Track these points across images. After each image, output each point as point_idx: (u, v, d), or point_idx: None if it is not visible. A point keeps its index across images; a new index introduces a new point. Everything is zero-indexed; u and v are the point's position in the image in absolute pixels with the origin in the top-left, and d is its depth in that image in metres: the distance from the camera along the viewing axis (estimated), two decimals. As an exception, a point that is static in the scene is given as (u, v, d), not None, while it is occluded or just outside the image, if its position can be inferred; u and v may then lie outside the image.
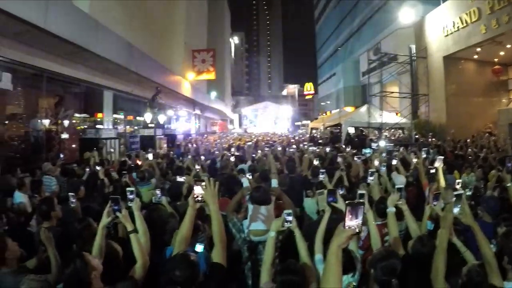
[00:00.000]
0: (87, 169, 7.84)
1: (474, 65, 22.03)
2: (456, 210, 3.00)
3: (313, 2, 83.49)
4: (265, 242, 3.48)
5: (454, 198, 3.11)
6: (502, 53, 19.73)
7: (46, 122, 12.77)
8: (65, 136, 14.08)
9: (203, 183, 3.10)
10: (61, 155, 10.85)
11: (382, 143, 14.55)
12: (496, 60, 21.10)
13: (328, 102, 61.19)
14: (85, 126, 16.39)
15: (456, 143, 15.05)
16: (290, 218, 3.09)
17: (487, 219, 4.35)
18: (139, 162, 10.17)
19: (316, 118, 55.63)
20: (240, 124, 68.27)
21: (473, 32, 18.53)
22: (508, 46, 18.37)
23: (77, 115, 15.43)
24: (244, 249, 3.95)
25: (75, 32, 11.31)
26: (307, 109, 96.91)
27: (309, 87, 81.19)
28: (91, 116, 16.94)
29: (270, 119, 66.37)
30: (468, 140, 15.53)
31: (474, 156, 10.94)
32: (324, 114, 51.26)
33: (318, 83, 79.36)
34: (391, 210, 3.71)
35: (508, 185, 4.84)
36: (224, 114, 56.00)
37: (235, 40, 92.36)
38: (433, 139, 18.13)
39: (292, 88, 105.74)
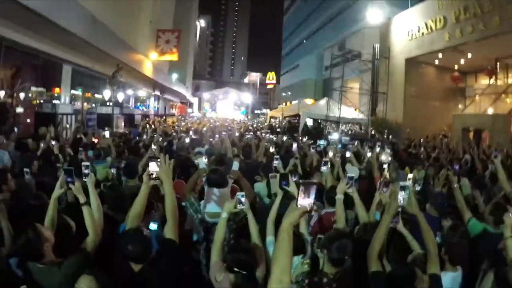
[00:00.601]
0: (42, 144, 7.63)
1: (434, 70, 22.96)
2: (403, 200, 3.09)
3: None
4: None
5: (401, 186, 3.24)
6: (462, 61, 20.65)
7: (1, 93, 12.07)
8: (20, 110, 13.38)
9: (158, 160, 3.09)
10: (15, 129, 10.33)
11: (336, 136, 14.92)
12: (456, 67, 22.06)
13: (289, 93, 61.73)
14: (41, 101, 15.60)
15: (410, 142, 15.62)
16: (243, 200, 3.17)
17: (433, 213, 4.62)
18: (95, 140, 9.94)
19: (276, 108, 56.08)
20: (200, 108, 67.67)
21: (437, 39, 19.27)
22: (469, 55, 19.22)
23: (33, 88, 14.61)
24: (200, 229, 3.97)
25: (39, 1, 10.69)
26: (267, 98, 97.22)
27: (271, 77, 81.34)
28: (48, 90, 16.12)
29: (230, 105, 66.24)
30: (422, 140, 16.19)
31: (426, 156, 11.43)
32: (284, 104, 51.67)
33: (280, 73, 79.73)
34: (339, 197, 3.82)
35: (455, 186, 5.08)
36: (184, 97, 55.06)
37: (201, 23, 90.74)
38: (389, 136, 18.74)
39: (255, 76, 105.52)
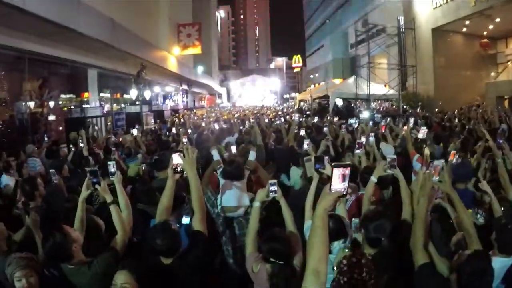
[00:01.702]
0: (72, 149, 7.88)
1: (463, 38, 22.03)
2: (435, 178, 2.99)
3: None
4: (238, 217, 3.71)
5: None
6: (491, 26, 19.74)
7: (31, 104, 12.54)
8: (51, 117, 13.84)
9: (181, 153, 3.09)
10: (46, 137, 10.67)
11: (367, 114, 14.60)
12: (484, 33, 21.12)
13: (317, 74, 60.89)
14: (72, 107, 16.08)
15: (444, 115, 15.10)
16: (274, 188, 3.09)
17: (459, 186, 4.37)
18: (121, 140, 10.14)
19: (304, 91, 55.51)
20: (229, 98, 67.92)
21: (462, 5, 18.45)
22: (497, 19, 18.36)
23: (62, 95, 15.11)
24: (219, 223, 3.89)
25: (55, 11, 10.93)
26: (295, 81, 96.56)
27: (297, 60, 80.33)
28: (77, 96, 16.60)
29: (259, 92, 66.16)
30: (456, 111, 15.62)
31: (461, 128, 11.01)
32: (312, 86, 51.02)
33: (306, 55, 78.67)
34: (372, 179, 3.70)
35: (499, 160, 4.82)
36: (212, 89, 55.44)
37: (221, 14, 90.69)
38: (421, 110, 18.21)
39: (280, 61, 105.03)
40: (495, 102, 17.39)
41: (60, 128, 14.57)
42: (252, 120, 11.40)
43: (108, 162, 3.51)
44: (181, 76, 35.00)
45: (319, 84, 48.02)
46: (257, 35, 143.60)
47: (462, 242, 2.94)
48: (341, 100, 23.27)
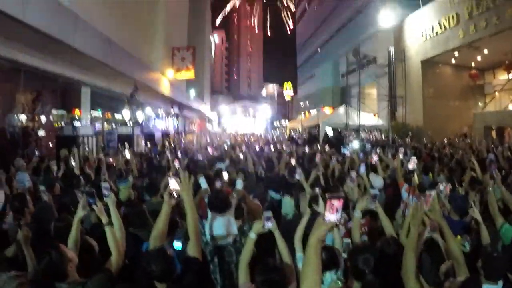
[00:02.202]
0: (62, 167, 7.88)
1: (452, 69, 22.58)
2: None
3: (294, 3, 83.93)
4: (227, 246, 3.68)
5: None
6: (479, 58, 20.30)
7: (23, 117, 12.43)
8: (41, 133, 13.73)
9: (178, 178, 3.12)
10: (37, 152, 10.56)
11: (356, 144, 14.79)
12: (473, 64, 21.69)
13: (307, 102, 61.55)
14: (62, 123, 15.95)
15: (433, 145, 15.32)
16: (269, 220, 3.08)
17: (454, 217, 4.51)
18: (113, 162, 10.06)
19: (295, 119, 55.98)
20: (219, 124, 68.15)
21: (451, 37, 18.97)
22: (485, 51, 18.90)
23: (54, 111, 15.01)
24: (207, 252, 3.81)
25: (54, 26, 10.99)
26: (286, 109, 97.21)
27: (288, 87, 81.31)
28: (69, 112, 16.52)
29: (249, 119, 66.61)
30: (446, 141, 15.87)
31: (450, 158, 11.18)
32: (303, 114, 51.49)
33: (297, 83, 79.69)
34: (357, 214, 3.76)
35: (489, 189, 4.90)
36: (203, 113, 55.61)
37: (215, 39, 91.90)
38: (410, 141, 18.45)
39: (271, 88, 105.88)
40: (483, 132, 17.72)
41: (50, 144, 14.44)
42: (244, 148, 11.48)
43: (102, 184, 3.52)
44: (173, 99, 35.09)
45: (309, 112, 48.53)
46: (249, 61, 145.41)
47: (451, 271, 3.00)
48: (331, 129, 23.55)
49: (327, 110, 40.32)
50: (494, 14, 15.83)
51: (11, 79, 12.61)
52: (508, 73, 19.26)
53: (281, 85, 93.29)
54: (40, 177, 7.62)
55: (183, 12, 47.30)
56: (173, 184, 3.13)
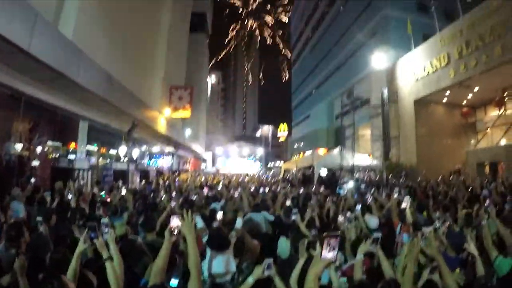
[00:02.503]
0: (57, 199, 7.86)
1: (444, 108, 22.97)
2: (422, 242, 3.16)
3: (290, 46, 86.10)
4: (225, 283, 3.76)
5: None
6: (470, 96, 20.77)
7: (19, 146, 12.43)
8: (36, 163, 13.67)
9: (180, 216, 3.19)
10: (32, 180, 10.54)
11: (351, 184, 14.87)
12: (464, 103, 22.14)
13: (302, 143, 61.98)
14: (57, 155, 15.94)
15: (427, 183, 15.43)
16: (270, 266, 3.12)
17: (450, 253, 4.55)
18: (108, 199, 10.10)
19: (289, 160, 56.18)
20: (213, 163, 68.12)
21: (443, 76, 19.47)
22: (476, 89, 19.36)
23: (50, 142, 15.03)
24: None
25: (58, 59, 11.26)
26: (280, 150, 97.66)
27: (283, 129, 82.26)
28: (64, 145, 16.55)
29: (244, 160, 66.72)
30: (440, 179, 16.00)
31: (444, 196, 11.28)
32: (297, 155, 51.76)
33: (292, 124, 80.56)
34: (359, 257, 3.80)
35: (483, 222, 5.02)
36: (197, 153, 55.74)
37: (212, 79, 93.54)
38: (405, 180, 18.56)
39: (266, 129, 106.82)
40: (476, 169, 17.91)
41: (45, 175, 14.40)
42: (239, 189, 11.54)
43: (102, 221, 3.58)
44: (169, 138, 35.26)
45: (303, 153, 48.82)
46: (245, 102, 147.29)
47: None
48: (326, 170, 23.72)
49: (322, 151, 40.74)
50: (483, 52, 16.39)
51: (11, 106, 12.65)
52: (499, 109, 19.65)
53: (276, 126, 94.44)
54: (34, 207, 7.62)
55: (182, 52, 48.48)
56: (175, 222, 3.19)
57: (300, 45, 73.85)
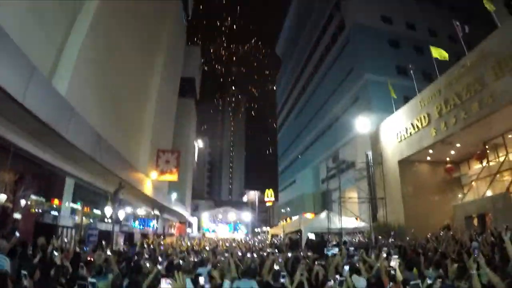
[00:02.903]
0: (38, 254, 7.86)
1: (428, 166, 23.38)
2: None
3: (275, 112, 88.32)
4: None
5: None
6: (452, 152, 21.26)
7: (3, 197, 12.15)
8: (17, 216, 13.34)
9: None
10: (17, 233, 10.24)
11: (335, 250, 14.75)
12: (448, 159, 22.60)
13: (288, 208, 61.60)
14: (40, 210, 15.54)
15: (416, 242, 15.40)
16: None
17: None
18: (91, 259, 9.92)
19: (276, 225, 55.50)
20: (199, 228, 66.89)
21: (425, 136, 20.09)
22: (457, 145, 19.91)
23: (33, 197, 14.72)
24: None
25: (50, 113, 11.44)
26: (267, 215, 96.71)
27: (269, 194, 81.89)
28: (48, 200, 16.20)
29: (230, 225, 65.80)
30: (429, 236, 16.02)
31: (434, 252, 11.29)
32: (284, 220, 51.25)
33: (279, 189, 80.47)
34: None
35: (472, 272, 5.11)
36: (183, 217, 54.86)
37: (199, 144, 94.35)
38: (393, 240, 18.47)
39: (253, 194, 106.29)
40: (464, 223, 17.94)
41: (27, 228, 14.01)
42: (226, 254, 11.45)
43: (90, 280, 3.64)
44: (154, 201, 34.89)
45: (290, 218, 48.40)
46: (231, 167, 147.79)
47: None
48: (313, 234, 23.67)
49: (309, 215, 40.49)
50: (461, 110, 17.00)
51: None
52: (481, 162, 20.08)
53: (262, 191, 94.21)
54: (16, 260, 7.48)
55: (170, 116, 49.40)
56: (164, 284, 3.25)
57: (286, 111, 75.90)
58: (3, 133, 11.30)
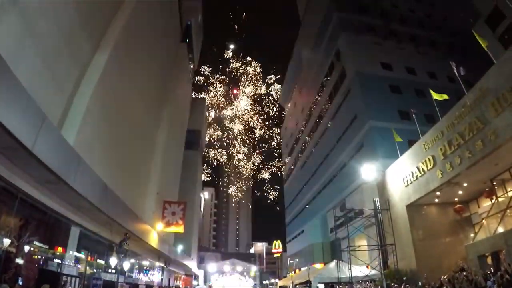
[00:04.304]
0: None
1: (437, 208, 22.98)
2: None
3: (281, 162, 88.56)
4: None
5: None
6: (460, 192, 20.94)
7: (7, 241, 12.04)
8: (20, 261, 13.13)
9: None
10: (20, 281, 10.09)
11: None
12: (456, 199, 22.22)
13: (297, 259, 60.21)
14: (43, 257, 15.30)
15: (430, 286, 14.97)
16: None
17: None
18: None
19: (285, 277, 54.08)
20: (205, 281, 65.21)
21: (431, 178, 19.96)
22: (465, 184, 19.66)
23: (36, 243, 14.57)
24: None
25: (59, 163, 11.58)
26: (275, 267, 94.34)
27: (277, 245, 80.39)
28: (51, 247, 16.00)
29: (237, 277, 64.17)
30: (442, 278, 15.61)
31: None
32: (293, 272, 49.99)
33: (286, 240, 78.99)
34: None
35: None
36: (189, 269, 53.64)
37: (205, 195, 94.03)
38: (407, 285, 17.98)
39: (260, 246, 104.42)
40: (478, 262, 17.37)
41: (29, 275, 13.76)
42: None
43: None
44: (160, 252, 34.34)
45: (299, 269, 47.25)
46: (238, 218, 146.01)
47: None
48: (323, 284, 23.18)
49: (318, 266, 39.58)
50: (465, 149, 17.01)
51: (5, 202, 12.53)
52: (491, 199, 19.75)
53: (270, 242, 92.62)
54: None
55: (177, 168, 49.63)
56: None
57: (291, 161, 76.10)
58: (12, 179, 11.41)
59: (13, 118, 8.70)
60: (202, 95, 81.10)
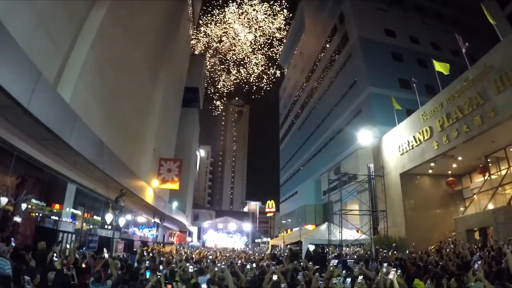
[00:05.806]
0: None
1: (430, 179, 23.27)
2: None
3: (278, 123, 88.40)
4: None
5: None
6: (454, 165, 21.16)
7: (4, 200, 12.14)
8: (18, 219, 13.32)
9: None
10: (13, 240, 10.23)
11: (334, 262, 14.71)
12: (449, 172, 22.49)
13: (289, 220, 61.34)
14: (40, 214, 15.51)
15: (417, 255, 15.30)
16: None
17: None
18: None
19: (277, 236, 55.26)
20: (199, 237, 66.68)
21: (427, 149, 20.04)
22: (460, 158, 19.84)
23: (34, 201, 14.72)
24: None
25: (54, 120, 11.49)
26: (267, 226, 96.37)
27: (270, 205, 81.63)
28: (48, 205, 16.19)
29: (230, 234, 65.55)
30: (430, 248, 15.97)
31: (435, 265, 11.25)
32: (285, 232, 51.04)
33: (280, 200, 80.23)
34: None
35: (471, 284, 5.15)
36: (183, 226, 54.72)
37: (201, 153, 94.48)
38: (394, 252, 18.38)
39: (254, 205, 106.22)
40: (465, 236, 17.84)
41: (27, 232, 14.00)
42: (223, 264, 11.43)
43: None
44: (155, 209, 34.86)
45: (291, 229, 48.18)
46: (233, 177, 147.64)
47: None
48: (313, 246, 23.60)
49: (310, 227, 40.33)
50: (463, 123, 16.97)
51: (1, 160, 12.55)
52: (483, 175, 20.02)
53: (263, 202, 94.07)
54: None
55: (173, 125, 49.53)
56: None
57: (289, 122, 75.98)
58: (7, 137, 11.38)
59: (8, 76, 8.57)
60: (202, 51, 79.24)
